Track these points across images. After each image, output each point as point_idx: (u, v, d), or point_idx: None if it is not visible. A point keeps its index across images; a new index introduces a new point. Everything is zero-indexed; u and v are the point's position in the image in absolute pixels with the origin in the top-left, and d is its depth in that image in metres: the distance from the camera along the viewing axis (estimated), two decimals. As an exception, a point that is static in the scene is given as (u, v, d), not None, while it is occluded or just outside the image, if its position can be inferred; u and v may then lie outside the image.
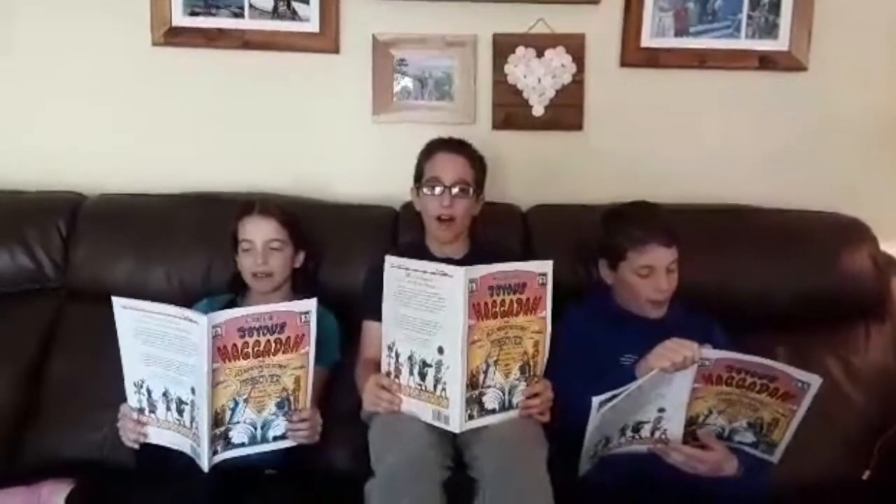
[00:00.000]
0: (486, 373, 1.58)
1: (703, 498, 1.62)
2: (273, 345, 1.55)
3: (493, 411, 1.61)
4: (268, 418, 1.60)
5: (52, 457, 1.91)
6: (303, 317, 1.57)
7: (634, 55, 2.31)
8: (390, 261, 1.64)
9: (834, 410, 1.94)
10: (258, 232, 1.90)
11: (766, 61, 2.31)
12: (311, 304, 1.58)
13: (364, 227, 2.14)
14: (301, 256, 1.99)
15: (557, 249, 1.88)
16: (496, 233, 2.09)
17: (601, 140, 2.36)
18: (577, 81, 2.31)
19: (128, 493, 1.63)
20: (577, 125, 2.34)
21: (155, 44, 2.30)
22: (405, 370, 1.63)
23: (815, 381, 1.53)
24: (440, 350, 1.56)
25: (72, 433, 1.94)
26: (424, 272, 1.57)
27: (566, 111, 2.33)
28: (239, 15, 2.29)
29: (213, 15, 2.29)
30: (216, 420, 1.54)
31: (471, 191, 1.94)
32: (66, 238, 2.13)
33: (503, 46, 2.30)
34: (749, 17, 2.30)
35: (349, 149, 2.36)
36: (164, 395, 1.58)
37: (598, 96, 2.34)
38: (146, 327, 1.54)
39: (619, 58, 2.32)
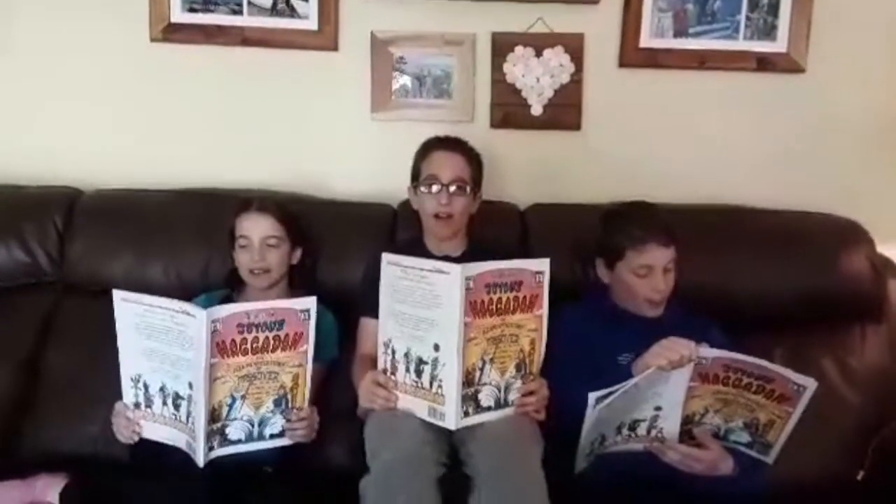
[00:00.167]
0: (482, 370, 1.58)
1: (698, 497, 1.62)
2: (272, 342, 1.55)
3: (489, 409, 1.61)
4: (265, 416, 1.60)
5: (48, 450, 1.91)
6: (302, 314, 1.57)
7: (633, 55, 2.31)
8: (387, 258, 1.64)
9: (829, 411, 1.93)
10: (255, 228, 1.90)
11: (764, 62, 2.31)
12: (310, 303, 1.58)
13: (362, 224, 2.14)
14: (298, 253, 1.99)
15: (555, 248, 1.88)
16: (494, 231, 2.08)
17: (599, 140, 2.36)
18: (576, 81, 2.31)
19: (123, 488, 1.63)
20: (576, 125, 2.34)
21: (153, 40, 2.29)
22: (401, 367, 1.63)
23: (810, 384, 1.53)
24: (436, 347, 1.56)
25: (67, 427, 1.94)
26: (421, 269, 1.57)
27: (564, 111, 2.33)
28: (238, 12, 2.29)
29: (212, 11, 2.29)
30: (213, 416, 1.54)
31: (468, 189, 1.94)
32: (62, 233, 2.13)
33: (502, 45, 2.30)
34: (748, 18, 2.30)
35: (347, 146, 2.36)
36: (162, 389, 1.58)
37: (597, 96, 2.34)
38: (146, 321, 1.54)
39: (618, 58, 2.33)
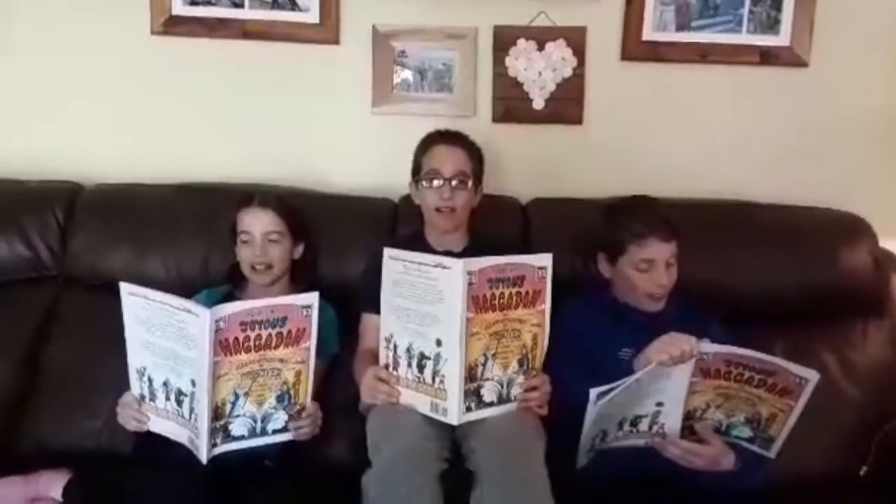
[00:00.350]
0: (484, 365, 1.58)
1: (700, 492, 1.62)
2: (274, 338, 1.55)
3: (491, 404, 1.61)
4: (268, 412, 1.60)
5: (49, 445, 1.91)
6: (305, 311, 1.57)
7: (635, 49, 2.30)
8: (388, 253, 1.63)
9: (831, 406, 1.94)
10: (257, 224, 1.90)
11: (767, 56, 2.30)
12: (313, 298, 1.58)
13: (363, 218, 2.14)
14: (300, 248, 1.98)
15: (557, 243, 1.87)
16: (495, 226, 2.08)
17: (601, 134, 2.35)
18: (578, 75, 2.30)
19: (126, 483, 1.62)
20: (578, 119, 2.33)
21: (154, 33, 2.29)
22: (403, 362, 1.63)
23: (813, 376, 1.53)
24: (438, 342, 1.56)
25: (69, 421, 1.94)
26: (423, 264, 1.57)
27: (566, 105, 2.32)
28: (239, 5, 2.28)
29: (213, 4, 2.28)
30: (216, 413, 1.54)
31: (470, 182, 1.94)
32: (63, 227, 2.13)
33: (504, 39, 2.29)
34: (751, 11, 2.29)
35: (348, 140, 2.35)
36: (165, 384, 1.58)
37: (599, 90, 2.33)
38: (150, 316, 1.54)
39: (621, 51, 2.32)
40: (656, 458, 1.64)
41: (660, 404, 1.62)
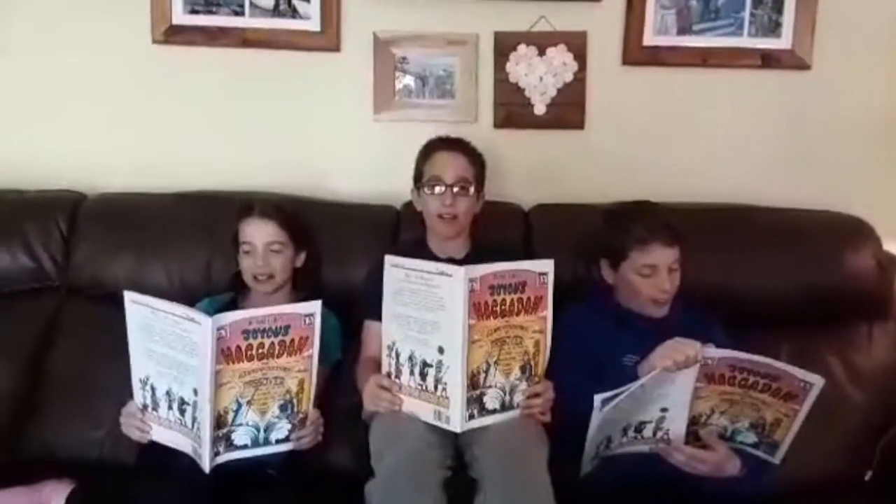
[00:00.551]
0: (486, 372, 1.58)
1: (705, 498, 1.62)
2: (277, 347, 1.55)
3: (494, 411, 1.61)
4: (271, 421, 1.60)
5: (52, 455, 1.91)
6: (307, 319, 1.57)
7: (636, 53, 2.30)
8: (390, 260, 1.63)
9: (836, 410, 1.93)
10: (258, 234, 1.90)
11: (769, 60, 2.30)
12: (315, 307, 1.57)
13: (365, 225, 2.14)
14: (302, 256, 1.99)
15: (559, 249, 1.88)
16: (497, 232, 2.08)
17: (603, 139, 2.35)
18: (579, 80, 2.30)
19: (128, 493, 1.62)
20: (579, 124, 2.33)
21: (155, 42, 2.29)
22: (405, 370, 1.63)
23: (817, 381, 1.53)
24: (440, 350, 1.56)
25: (72, 431, 1.95)
26: (424, 272, 1.56)
27: (568, 110, 2.32)
28: (239, 13, 2.28)
29: (214, 13, 2.28)
30: (219, 422, 1.54)
31: (472, 189, 1.94)
32: (66, 237, 2.13)
33: (505, 44, 2.29)
34: (752, 15, 2.29)
35: (350, 147, 2.35)
36: (167, 393, 1.58)
37: (600, 95, 2.33)
38: (153, 324, 1.54)
39: (621, 56, 2.31)
40: (661, 464, 1.64)
41: (664, 410, 1.61)
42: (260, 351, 1.54)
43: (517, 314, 1.59)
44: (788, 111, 2.35)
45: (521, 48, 2.28)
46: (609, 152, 2.35)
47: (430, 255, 1.89)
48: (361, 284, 1.97)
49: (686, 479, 1.63)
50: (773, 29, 2.29)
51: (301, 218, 1.99)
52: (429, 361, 1.58)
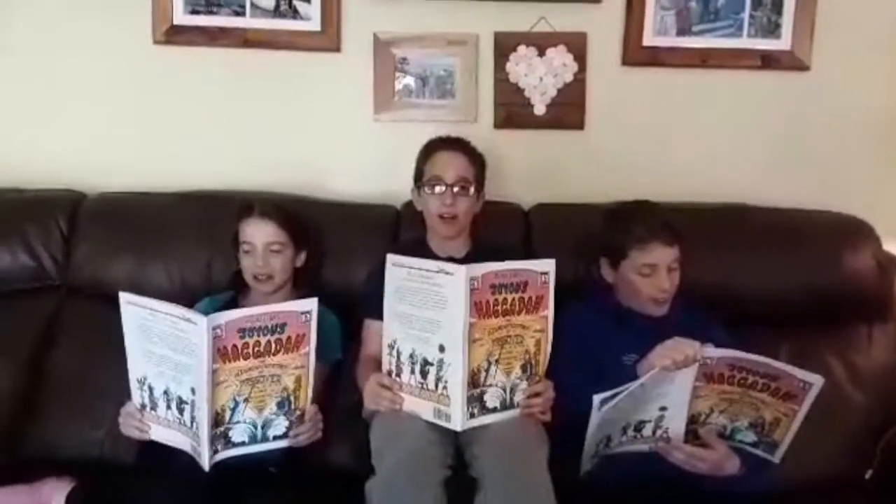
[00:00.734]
0: (487, 371, 1.58)
1: (704, 497, 1.62)
2: (273, 345, 1.55)
3: (495, 410, 1.61)
4: (268, 417, 1.60)
5: (53, 454, 1.91)
6: (303, 316, 1.57)
7: (636, 54, 2.31)
8: (391, 259, 1.63)
9: (836, 410, 1.93)
10: (258, 235, 1.90)
11: (768, 60, 2.31)
12: (311, 304, 1.57)
13: (365, 225, 2.14)
14: (303, 256, 1.99)
15: (559, 248, 1.88)
16: (498, 232, 2.08)
17: (603, 139, 2.35)
18: (579, 80, 2.30)
19: (128, 492, 1.62)
20: (579, 124, 2.33)
21: (156, 42, 2.30)
22: (406, 368, 1.63)
23: (817, 381, 1.53)
24: (441, 348, 1.56)
25: (72, 430, 1.95)
26: (425, 270, 1.57)
27: (568, 110, 2.32)
28: (240, 13, 2.29)
29: (215, 13, 2.29)
30: (216, 420, 1.54)
31: (472, 189, 1.94)
32: (66, 236, 2.13)
33: (505, 45, 2.29)
34: (751, 16, 2.29)
35: (350, 147, 2.36)
36: (165, 393, 1.58)
37: (600, 95, 2.33)
38: (149, 325, 1.54)
39: (621, 57, 2.32)
40: (660, 463, 1.64)
41: (663, 409, 1.61)
42: (256, 349, 1.54)
43: (518, 313, 1.59)
44: (788, 112, 2.35)
45: (522, 49, 2.29)
46: (609, 152, 2.35)
47: (430, 255, 1.89)
48: (362, 284, 1.97)
49: (685, 478, 1.63)
50: (773, 30, 2.30)
51: (301, 218, 1.99)
52: (430, 360, 1.58)
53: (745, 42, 2.30)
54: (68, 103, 2.34)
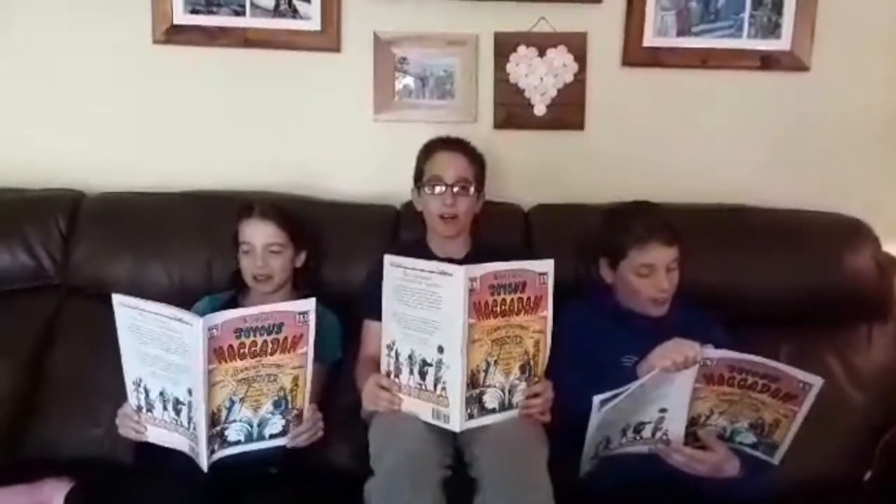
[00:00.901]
0: (486, 372, 1.58)
1: (704, 499, 1.62)
2: (270, 345, 1.55)
3: (494, 411, 1.60)
4: (264, 417, 1.59)
5: (52, 453, 1.91)
6: (301, 317, 1.56)
7: (636, 54, 2.30)
8: (389, 259, 1.63)
9: (836, 411, 1.93)
10: (257, 235, 1.90)
11: (768, 61, 2.30)
12: (309, 304, 1.57)
13: (365, 225, 2.14)
14: (302, 256, 1.98)
15: (559, 249, 1.87)
16: (497, 232, 2.08)
17: (603, 139, 2.35)
18: (579, 80, 2.30)
19: (128, 492, 1.62)
20: (579, 124, 2.33)
21: (156, 42, 2.29)
22: (405, 369, 1.63)
23: (817, 381, 1.53)
24: (440, 349, 1.56)
25: (71, 430, 1.95)
26: (424, 271, 1.56)
27: (568, 110, 2.32)
28: (240, 13, 2.29)
29: (215, 13, 2.28)
30: (213, 420, 1.53)
31: (472, 189, 1.94)
32: (66, 236, 2.13)
33: (505, 45, 2.29)
34: (751, 16, 2.29)
35: (350, 147, 2.35)
36: (161, 394, 1.58)
37: (600, 95, 2.33)
38: (143, 326, 1.54)
39: (621, 57, 2.32)
40: (660, 464, 1.64)
41: (663, 410, 1.61)
42: (252, 349, 1.53)
43: (517, 314, 1.59)
44: (787, 112, 2.35)
45: (522, 49, 2.28)
46: (609, 153, 2.35)
47: (430, 255, 1.89)
48: (361, 284, 1.97)
49: (685, 480, 1.63)
50: (773, 30, 2.30)
51: (301, 218, 1.99)
52: (428, 360, 1.58)
53: (745, 42, 2.30)
54: (68, 103, 2.34)
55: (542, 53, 2.28)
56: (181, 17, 2.28)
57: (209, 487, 1.58)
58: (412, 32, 2.29)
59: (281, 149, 2.35)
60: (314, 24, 2.28)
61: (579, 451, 1.62)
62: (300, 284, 1.99)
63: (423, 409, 1.61)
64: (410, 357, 1.61)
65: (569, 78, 2.30)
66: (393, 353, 1.65)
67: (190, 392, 1.52)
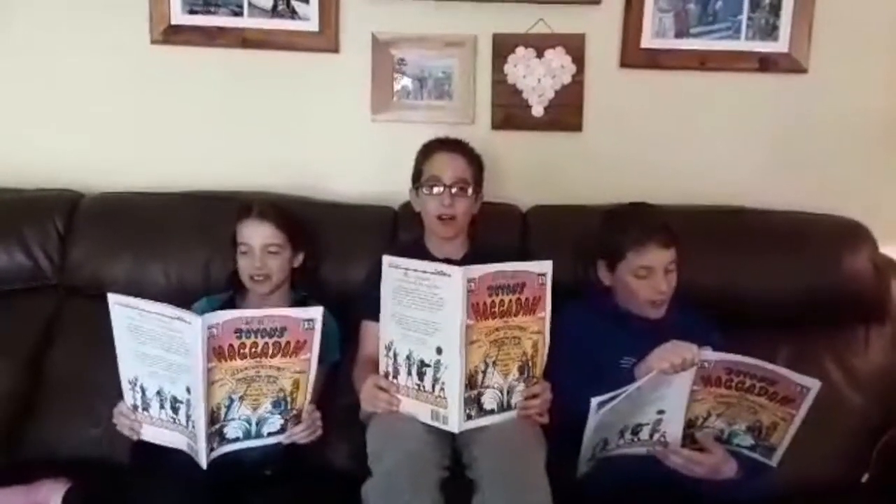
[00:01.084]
0: (484, 373, 1.58)
1: (702, 501, 1.62)
2: (271, 347, 1.55)
3: (492, 412, 1.60)
4: (263, 416, 1.60)
5: (50, 454, 1.91)
6: (306, 323, 1.56)
7: (634, 56, 2.30)
8: (387, 260, 1.63)
9: (833, 413, 1.93)
10: (255, 236, 1.90)
11: (766, 63, 2.30)
12: (317, 312, 1.57)
13: (363, 226, 2.13)
14: (300, 257, 1.98)
15: (557, 250, 1.87)
16: (495, 233, 2.08)
17: (601, 141, 2.35)
18: (577, 82, 2.30)
19: (126, 493, 1.62)
20: (577, 126, 2.33)
21: (154, 42, 2.29)
22: (403, 370, 1.63)
23: (814, 385, 1.53)
24: (438, 350, 1.56)
25: (69, 430, 1.95)
26: (422, 272, 1.56)
27: (566, 111, 2.32)
28: (238, 13, 2.28)
29: (213, 13, 2.28)
30: (212, 417, 1.53)
31: (470, 190, 1.94)
32: (63, 236, 2.12)
33: (503, 46, 2.29)
34: (749, 18, 2.29)
35: (348, 148, 2.35)
36: (158, 393, 1.58)
37: (598, 97, 2.33)
38: (140, 326, 1.54)
39: (619, 58, 2.31)
40: (658, 466, 1.64)
41: (661, 412, 1.61)
42: (253, 350, 1.54)
43: (515, 315, 1.59)
44: (785, 114, 2.35)
45: (520, 50, 2.28)
46: (607, 154, 2.35)
47: (428, 256, 1.89)
48: (359, 285, 1.97)
49: (683, 482, 1.63)
50: (771, 32, 2.30)
51: (299, 219, 1.99)
52: (427, 361, 1.58)
53: (743, 44, 2.30)
54: (67, 103, 2.34)
55: (540, 55, 2.28)
56: (179, 18, 2.28)
57: (208, 487, 1.58)
58: (410, 33, 2.29)
59: (279, 149, 2.35)
60: (312, 24, 2.28)
61: (577, 452, 1.62)
62: (298, 285, 1.99)
63: (421, 410, 1.61)
64: (409, 358, 1.61)
65: (567, 79, 2.30)
66: (391, 354, 1.65)
67: (188, 390, 1.52)
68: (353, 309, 1.94)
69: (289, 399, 1.60)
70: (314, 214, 2.09)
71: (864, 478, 1.96)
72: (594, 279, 1.95)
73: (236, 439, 1.58)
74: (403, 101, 2.33)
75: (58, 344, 2.06)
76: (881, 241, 2.16)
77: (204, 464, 1.53)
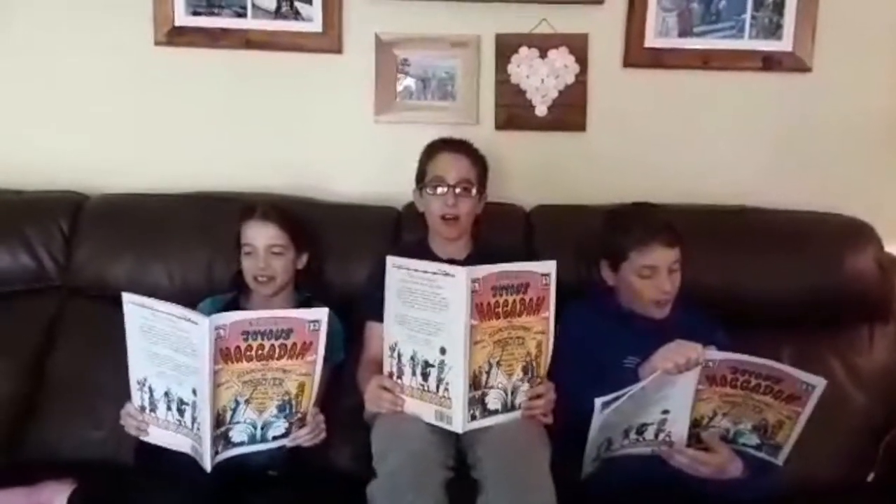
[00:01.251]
0: (488, 373, 1.57)
1: (708, 500, 1.62)
2: (277, 349, 1.55)
3: (496, 412, 1.60)
4: (268, 419, 1.59)
5: (54, 455, 1.91)
6: (312, 325, 1.56)
7: (638, 55, 2.30)
8: (392, 261, 1.63)
9: (838, 412, 1.93)
10: (259, 237, 1.90)
11: (770, 62, 2.30)
12: (322, 314, 1.57)
13: (366, 227, 2.14)
14: (304, 258, 1.98)
15: (560, 250, 1.87)
16: (499, 233, 2.08)
17: (604, 141, 2.35)
18: (581, 82, 2.30)
19: (129, 494, 1.62)
20: (581, 125, 2.33)
21: (157, 43, 2.29)
22: (407, 371, 1.63)
23: (819, 383, 1.53)
24: (442, 350, 1.56)
25: (73, 431, 1.95)
26: (426, 272, 1.56)
27: (569, 111, 2.32)
28: (242, 15, 2.29)
29: (216, 14, 2.29)
30: (217, 420, 1.53)
31: (474, 190, 1.94)
32: (68, 237, 2.13)
33: (506, 46, 2.29)
34: (753, 17, 2.29)
35: (351, 149, 2.35)
36: (166, 394, 1.57)
37: (602, 97, 2.33)
38: (152, 325, 1.54)
39: (623, 58, 2.31)
40: (663, 466, 1.64)
41: (666, 412, 1.61)
42: (259, 352, 1.53)
43: (519, 315, 1.58)
44: (789, 113, 2.34)
45: (523, 50, 2.28)
46: (610, 154, 2.35)
47: (431, 257, 1.89)
48: (363, 285, 1.97)
49: (688, 482, 1.62)
50: (774, 31, 2.29)
51: (302, 219, 1.99)
52: (431, 362, 1.58)
53: (746, 43, 2.30)
54: (69, 104, 2.34)
55: (543, 55, 2.28)
56: (183, 19, 2.28)
57: (211, 489, 1.58)
58: (414, 34, 2.29)
59: (282, 150, 2.35)
60: (316, 25, 2.28)
61: (581, 452, 1.61)
62: (302, 286, 1.99)
63: (425, 411, 1.61)
64: (413, 358, 1.61)
65: (570, 79, 2.30)
66: (395, 355, 1.65)
67: (194, 392, 1.52)
68: (356, 310, 1.94)
69: (294, 403, 1.60)
70: (317, 215, 2.09)
71: (870, 477, 1.95)
72: (598, 279, 1.94)
73: (241, 443, 1.58)
74: (407, 101, 2.33)
75: (60, 345, 2.06)
76: (885, 239, 2.16)
77: (208, 467, 1.53)
